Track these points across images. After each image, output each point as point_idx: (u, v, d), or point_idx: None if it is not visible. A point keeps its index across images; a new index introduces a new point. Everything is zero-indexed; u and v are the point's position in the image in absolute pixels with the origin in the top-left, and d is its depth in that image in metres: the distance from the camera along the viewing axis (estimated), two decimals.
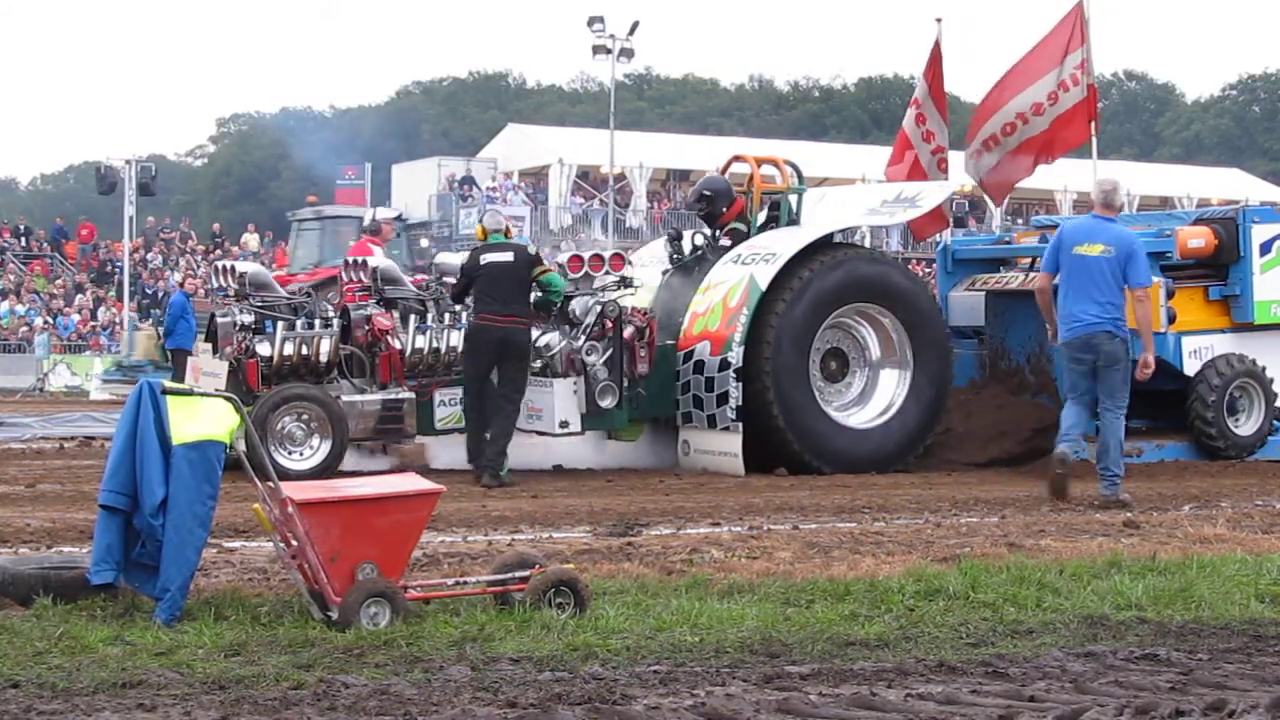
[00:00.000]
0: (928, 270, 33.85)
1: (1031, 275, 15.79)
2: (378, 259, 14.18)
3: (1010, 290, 15.13)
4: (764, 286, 13.57)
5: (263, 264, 28.49)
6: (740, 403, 13.44)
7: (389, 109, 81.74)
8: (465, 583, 7.23)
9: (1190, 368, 14.80)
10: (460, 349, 13.19)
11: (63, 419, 19.80)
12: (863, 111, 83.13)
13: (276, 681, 5.67)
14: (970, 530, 10.04)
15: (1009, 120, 15.63)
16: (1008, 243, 17.36)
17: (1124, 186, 49.34)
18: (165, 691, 5.51)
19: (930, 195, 15.05)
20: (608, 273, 13.59)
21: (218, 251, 39.42)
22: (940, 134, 16.80)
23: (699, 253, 14.85)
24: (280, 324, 13.10)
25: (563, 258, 13.90)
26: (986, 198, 18.49)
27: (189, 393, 7.02)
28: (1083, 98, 15.08)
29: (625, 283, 13.72)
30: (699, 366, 13.65)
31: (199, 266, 36.95)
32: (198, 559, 6.88)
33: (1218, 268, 15.00)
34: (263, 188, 79.10)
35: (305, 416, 12.64)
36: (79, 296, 37.71)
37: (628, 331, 13.47)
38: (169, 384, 7.03)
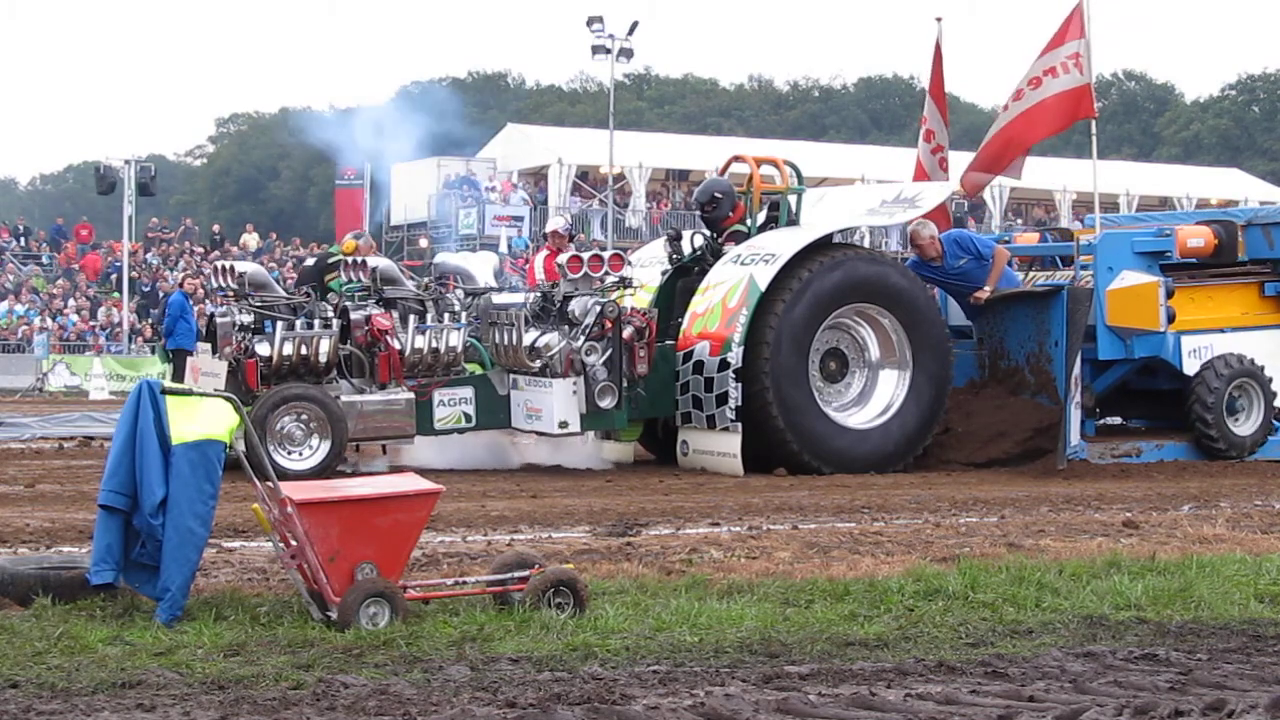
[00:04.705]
0: None
1: (1030, 275, 15.88)
2: (377, 259, 14.19)
3: (1010, 290, 15.12)
4: (763, 287, 13.58)
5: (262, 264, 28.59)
6: (739, 403, 13.44)
7: (389, 109, 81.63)
8: (464, 583, 7.23)
9: (1190, 367, 14.83)
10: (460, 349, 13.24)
11: (62, 419, 19.82)
12: (862, 111, 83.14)
13: (276, 681, 5.66)
14: (970, 530, 10.05)
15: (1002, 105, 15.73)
16: (1007, 242, 17.36)
17: (1122, 186, 49.44)
18: (165, 691, 5.51)
19: (930, 195, 15.05)
20: (607, 273, 13.59)
21: (217, 252, 39.40)
22: (940, 134, 16.80)
23: (698, 253, 14.85)
24: (279, 324, 13.10)
25: (563, 258, 13.90)
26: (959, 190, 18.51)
27: (188, 393, 7.02)
28: (1074, 85, 15.05)
29: (624, 283, 13.72)
30: (698, 367, 13.65)
31: (199, 266, 36.91)
32: (198, 559, 6.87)
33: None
34: (262, 188, 79.13)
35: (304, 416, 12.65)
36: (72, 300, 37.61)
37: (627, 332, 13.47)
38: (168, 384, 7.03)
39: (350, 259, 14.31)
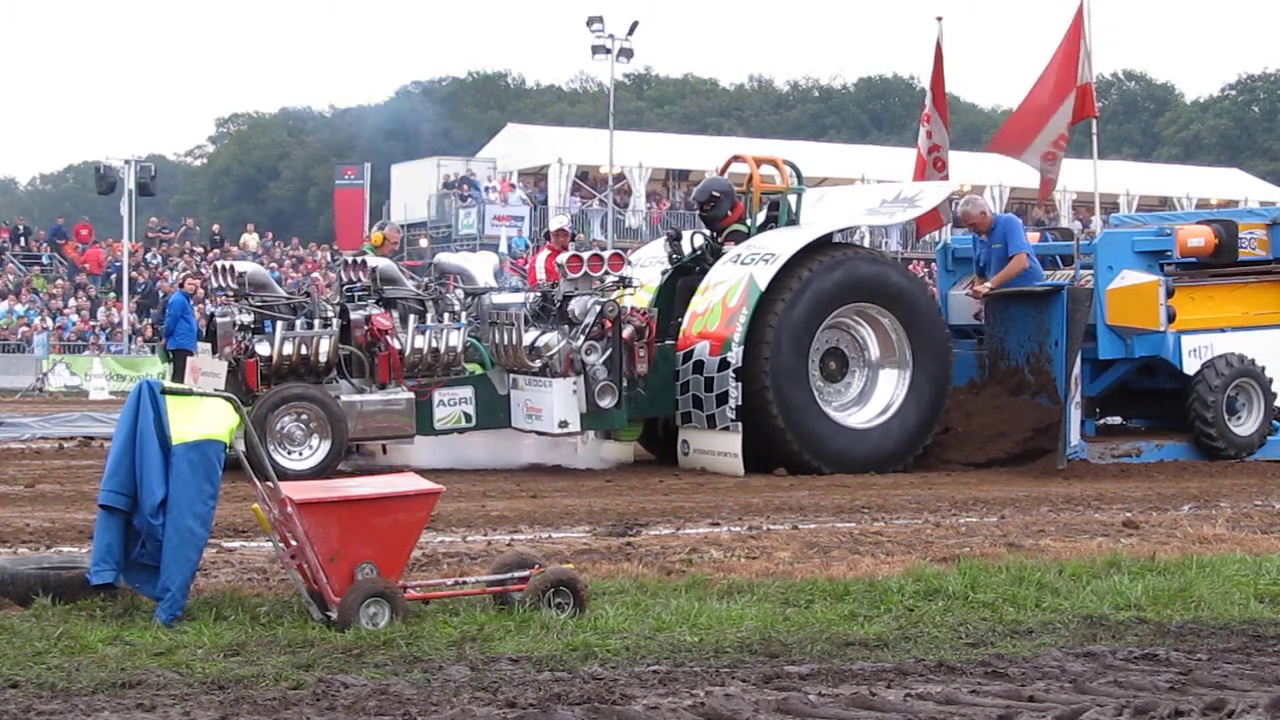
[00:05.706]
0: (928, 270, 33.88)
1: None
2: (377, 260, 14.18)
3: (1010, 290, 15.11)
4: (763, 287, 13.57)
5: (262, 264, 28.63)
6: (739, 403, 13.44)
7: (389, 109, 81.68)
8: (464, 583, 7.23)
9: (1190, 367, 14.83)
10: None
11: (62, 419, 19.81)
12: (862, 111, 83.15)
13: (276, 681, 5.66)
14: (970, 530, 10.04)
15: (1060, 133, 15.87)
16: None
17: (1123, 186, 49.32)
18: (165, 691, 5.51)
19: (929, 195, 15.06)
20: (607, 273, 13.59)
21: (217, 252, 39.40)
22: (940, 134, 16.80)
23: (698, 253, 14.85)
24: (279, 324, 13.10)
25: (563, 258, 13.90)
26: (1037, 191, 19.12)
27: (188, 393, 7.02)
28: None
29: (624, 282, 13.72)
30: (698, 366, 13.65)
31: (199, 266, 36.89)
32: (198, 559, 6.87)
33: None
34: (262, 188, 79.14)
35: (304, 416, 12.64)
36: (72, 300, 37.56)
37: (627, 331, 13.47)
38: (168, 384, 7.03)
39: (352, 259, 14.32)
